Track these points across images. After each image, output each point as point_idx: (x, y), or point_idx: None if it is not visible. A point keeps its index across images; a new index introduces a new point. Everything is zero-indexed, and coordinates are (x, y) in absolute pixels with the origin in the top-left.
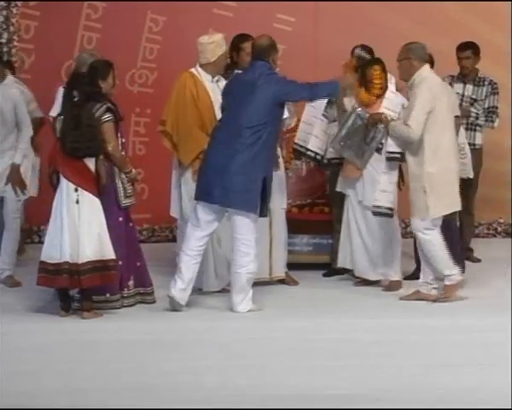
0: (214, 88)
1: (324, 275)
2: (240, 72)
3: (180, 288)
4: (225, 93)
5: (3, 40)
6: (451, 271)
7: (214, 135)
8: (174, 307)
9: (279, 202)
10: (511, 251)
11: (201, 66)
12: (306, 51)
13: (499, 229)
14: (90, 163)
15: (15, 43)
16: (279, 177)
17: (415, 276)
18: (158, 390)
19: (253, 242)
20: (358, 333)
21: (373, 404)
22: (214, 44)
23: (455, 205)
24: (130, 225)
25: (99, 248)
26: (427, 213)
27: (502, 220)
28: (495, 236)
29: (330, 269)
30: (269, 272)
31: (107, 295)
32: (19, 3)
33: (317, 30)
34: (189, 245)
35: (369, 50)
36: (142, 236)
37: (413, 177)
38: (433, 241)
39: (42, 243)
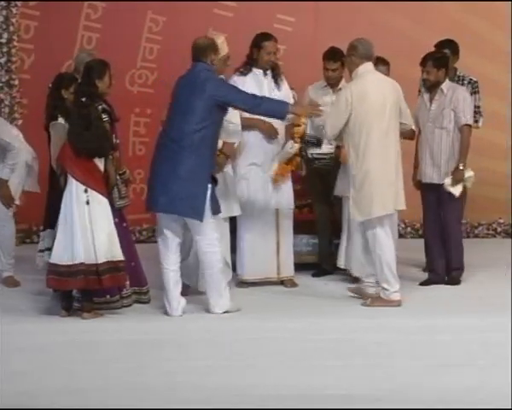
0: None
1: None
2: (259, 71)
3: (176, 307)
4: (171, 96)
5: (3, 40)
6: (391, 286)
7: (159, 141)
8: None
9: (287, 203)
10: (511, 251)
11: None
12: (306, 51)
13: (499, 229)
14: (100, 163)
15: (15, 43)
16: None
17: (431, 281)
18: (158, 390)
19: (216, 240)
20: (358, 333)
21: (373, 404)
22: None
23: (389, 206)
24: (124, 225)
25: (109, 249)
26: (358, 216)
27: (502, 220)
28: (495, 236)
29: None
30: (276, 272)
31: (108, 296)
32: (19, 3)
33: (317, 30)
34: (168, 261)
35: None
36: (142, 236)
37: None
38: (381, 241)
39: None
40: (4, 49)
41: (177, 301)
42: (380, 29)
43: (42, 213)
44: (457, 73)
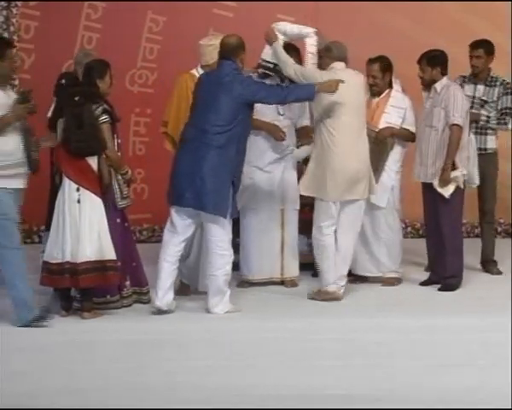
0: None
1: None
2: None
3: (161, 297)
4: (194, 93)
5: None
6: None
7: (183, 137)
8: (161, 313)
9: (292, 203)
10: (511, 251)
11: (202, 67)
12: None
13: (499, 229)
14: (93, 162)
15: (15, 43)
16: (291, 177)
17: (431, 281)
18: (158, 390)
19: (228, 243)
20: (358, 333)
21: (373, 404)
22: (213, 47)
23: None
24: (126, 225)
25: (99, 248)
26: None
27: (502, 220)
28: (495, 236)
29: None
30: (280, 273)
31: (108, 296)
32: (19, 3)
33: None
34: (167, 251)
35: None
36: (142, 236)
37: None
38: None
39: (42, 243)
40: None
41: (163, 292)
42: (380, 29)
43: (42, 213)
44: (490, 73)
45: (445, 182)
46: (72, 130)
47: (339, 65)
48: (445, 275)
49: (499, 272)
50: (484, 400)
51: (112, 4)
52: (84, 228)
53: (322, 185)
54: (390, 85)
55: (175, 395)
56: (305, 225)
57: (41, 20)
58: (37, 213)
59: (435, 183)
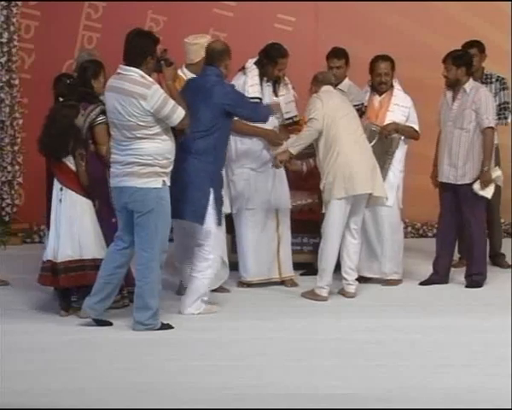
0: None
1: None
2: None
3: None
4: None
5: (4, 40)
6: (320, 280)
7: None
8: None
9: (285, 203)
10: (511, 251)
11: (187, 66)
12: (307, 51)
13: None
14: (70, 163)
15: (15, 43)
16: (283, 177)
17: (431, 281)
18: (158, 390)
19: (212, 247)
20: (358, 333)
21: (373, 404)
22: (198, 46)
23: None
24: None
25: (78, 247)
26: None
27: (502, 220)
28: None
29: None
30: (278, 273)
31: None
32: (19, 3)
33: (318, 30)
34: (181, 260)
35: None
36: None
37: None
38: (328, 231)
39: (42, 242)
40: (5, 49)
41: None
42: (380, 29)
43: (42, 213)
44: (484, 71)
45: (486, 183)
46: (44, 131)
47: (325, 88)
48: (471, 272)
49: (509, 266)
50: (484, 400)
51: (112, 4)
52: (63, 227)
53: None
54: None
55: (175, 395)
56: (306, 226)
57: (41, 19)
58: (38, 213)
59: (476, 187)
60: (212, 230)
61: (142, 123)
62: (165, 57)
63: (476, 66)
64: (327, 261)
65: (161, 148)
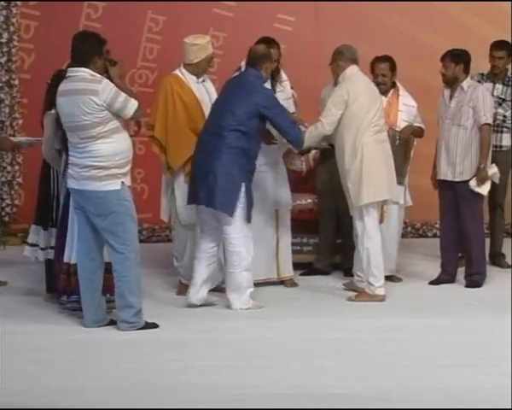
0: (200, 88)
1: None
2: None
3: (194, 292)
4: (219, 95)
5: (4, 40)
6: (376, 281)
7: (200, 136)
8: (191, 306)
9: (285, 203)
10: (511, 251)
11: (185, 66)
12: (307, 51)
13: None
14: None
15: (15, 43)
16: (284, 177)
17: (440, 280)
18: (158, 390)
19: (242, 240)
20: (358, 333)
21: (373, 404)
22: (198, 47)
23: (379, 194)
24: None
25: (68, 251)
26: (357, 202)
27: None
28: None
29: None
30: (277, 273)
31: (108, 295)
32: (19, 3)
33: (318, 30)
34: (199, 248)
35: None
36: (142, 236)
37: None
38: (371, 235)
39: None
40: (4, 49)
41: (195, 288)
42: (380, 29)
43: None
44: (508, 73)
45: (483, 181)
46: None
47: (354, 69)
48: (470, 272)
49: (509, 266)
50: (484, 400)
51: (112, 4)
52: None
53: None
54: (392, 85)
55: (175, 395)
56: (306, 226)
57: (41, 20)
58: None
59: (472, 183)
60: (239, 222)
61: (96, 119)
62: (109, 58)
63: (502, 68)
64: (378, 260)
65: (117, 147)
